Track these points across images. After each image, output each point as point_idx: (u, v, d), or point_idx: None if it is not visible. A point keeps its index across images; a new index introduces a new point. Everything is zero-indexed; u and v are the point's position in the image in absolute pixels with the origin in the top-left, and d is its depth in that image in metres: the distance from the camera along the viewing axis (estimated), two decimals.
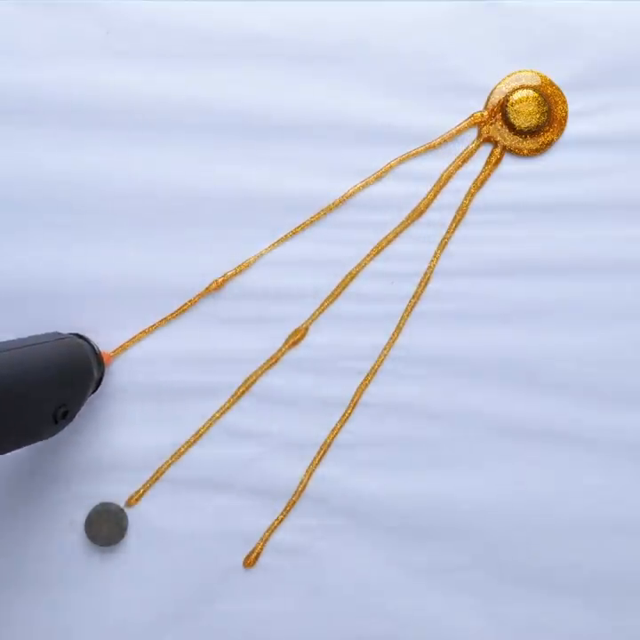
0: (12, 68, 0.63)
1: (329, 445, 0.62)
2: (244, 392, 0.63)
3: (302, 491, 0.62)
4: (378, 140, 0.63)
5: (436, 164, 0.63)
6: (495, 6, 0.63)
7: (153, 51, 0.63)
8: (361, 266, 0.63)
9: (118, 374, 0.62)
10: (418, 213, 0.63)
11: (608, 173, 0.63)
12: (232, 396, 0.62)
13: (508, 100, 0.63)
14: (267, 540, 0.62)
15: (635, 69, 0.63)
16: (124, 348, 0.62)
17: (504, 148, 0.64)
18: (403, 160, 0.63)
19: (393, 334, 0.63)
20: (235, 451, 0.62)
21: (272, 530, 0.62)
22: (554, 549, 0.62)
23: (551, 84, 0.64)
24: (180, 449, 0.62)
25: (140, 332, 0.62)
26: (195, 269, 0.63)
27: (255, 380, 0.63)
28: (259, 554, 0.62)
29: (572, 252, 0.63)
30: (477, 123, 0.64)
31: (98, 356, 0.59)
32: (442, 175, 0.63)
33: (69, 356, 0.55)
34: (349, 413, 0.63)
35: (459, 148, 0.64)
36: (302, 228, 0.63)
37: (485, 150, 0.64)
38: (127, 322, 0.62)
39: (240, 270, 0.63)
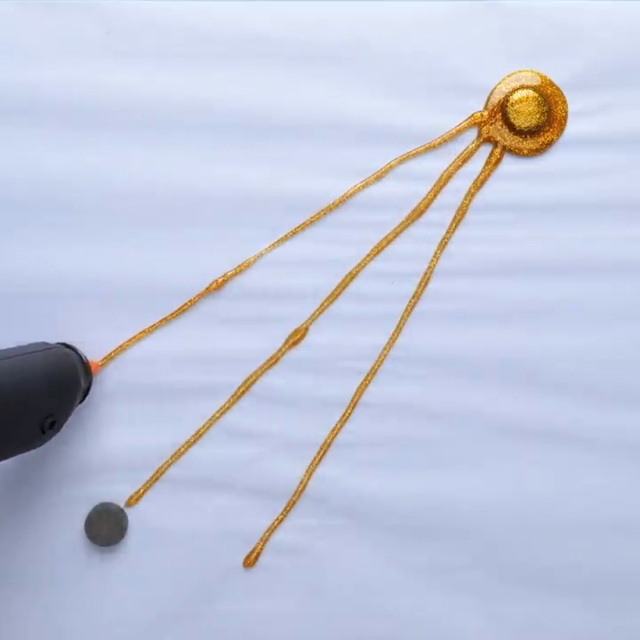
0: (12, 68, 0.63)
1: (329, 445, 0.62)
2: (244, 392, 0.63)
3: (302, 491, 0.62)
4: (378, 140, 0.63)
5: (436, 164, 0.63)
6: (495, 6, 0.63)
7: (153, 51, 0.63)
8: (361, 266, 0.63)
9: (119, 374, 0.62)
10: (418, 213, 0.63)
11: (608, 173, 0.63)
12: (232, 396, 0.62)
13: (507, 100, 0.63)
14: (267, 540, 0.62)
15: (635, 69, 0.63)
16: (123, 348, 0.62)
17: (504, 148, 0.64)
18: (403, 160, 0.63)
19: (393, 334, 0.63)
20: (235, 451, 0.62)
21: (272, 530, 0.62)
22: (554, 549, 0.62)
23: (551, 83, 0.64)
24: (180, 449, 0.62)
25: (140, 332, 0.63)
26: (195, 269, 0.63)
27: (255, 380, 0.63)
28: (259, 554, 0.62)
29: (572, 252, 0.63)
30: (477, 123, 0.64)
31: (85, 365, 0.59)
32: (442, 175, 0.63)
33: (57, 367, 0.55)
34: (349, 413, 0.63)
35: (459, 147, 0.64)
36: (302, 228, 0.63)
37: (485, 150, 0.64)
38: (127, 322, 0.62)
39: (240, 270, 0.63)
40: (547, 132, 0.63)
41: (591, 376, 0.63)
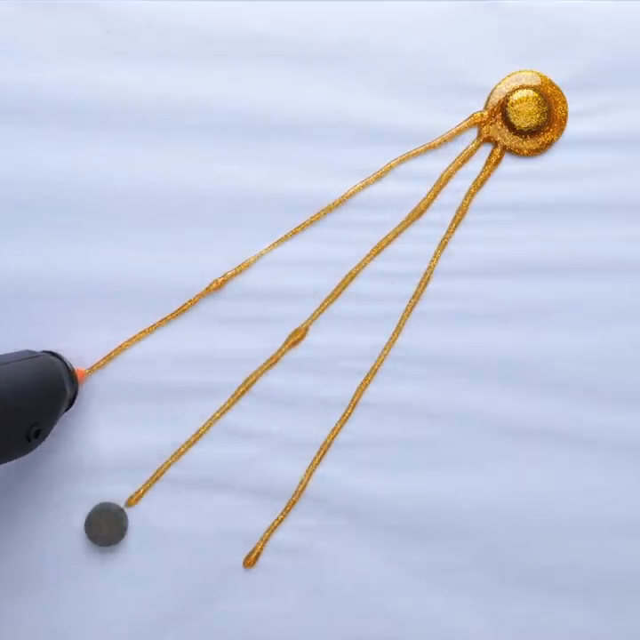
0: (12, 68, 0.63)
1: (329, 445, 0.62)
2: (244, 392, 0.63)
3: (302, 491, 0.62)
4: (378, 140, 0.63)
5: (436, 164, 0.63)
6: (495, 6, 0.63)
7: (153, 51, 0.63)
8: (361, 266, 0.63)
9: (119, 374, 0.62)
10: (418, 213, 0.63)
11: (608, 173, 0.63)
12: (232, 396, 0.62)
13: (508, 100, 0.63)
14: (267, 540, 0.62)
15: (635, 69, 0.63)
16: (123, 348, 0.62)
17: (504, 148, 0.64)
18: (403, 160, 0.63)
19: (393, 334, 0.63)
20: (235, 451, 0.62)
21: (272, 530, 0.62)
22: (554, 549, 0.62)
23: (551, 83, 0.64)
24: (180, 449, 0.62)
25: (140, 332, 0.63)
26: (195, 269, 0.63)
27: (255, 380, 0.63)
28: (259, 554, 0.62)
29: (572, 252, 0.63)
30: (477, 123, 0.64)
31: (71, 373, 0.59)
32: (442, 175, 0.63)
33: (42, 375, 0.55)
34: (349, 413, 0.63)
35: (459, 147, 0.64)
36: (302, 228, 0.63)
37: (485, 150, 0.64)
38: (127, 322, 0.62)
39: (240, 270, 0.63)
40: (547, 131, 0.63)
41: (591, 376, 0.62)
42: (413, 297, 0.63)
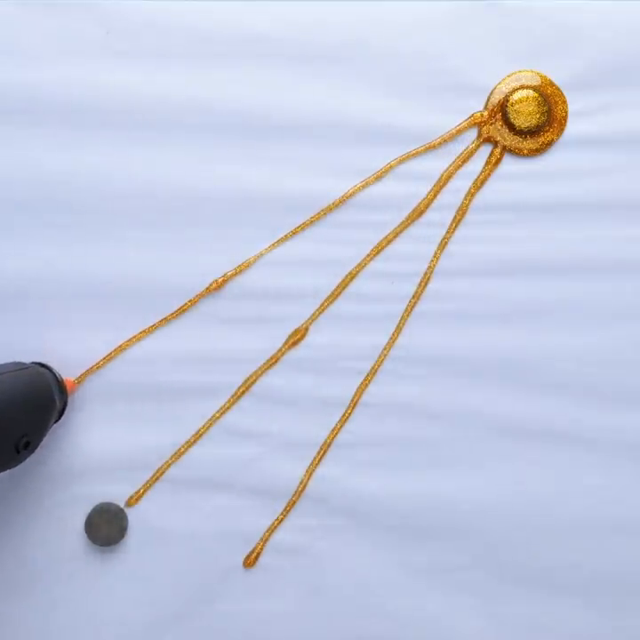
0: (12, 68, 0.63)
1: (329, 445, 0.62)
2: (244, 392, 0.63)
3: (302, 491, 0.62)
4: (378, 140, 0.63)
5: (436, 164, 0.63)
6: (495, 6, 0.63)
7: (153, 51, 0.63)
8: (361, 266, 0.63)
9: (119, 374, 0.62)
10: (418, 213, 0.63)
11: (608, 173, 0.63)
12: (232, 396, 0.62)
13: (508, 100, 0.63)
14: (267, 540, 0.62)
15: (635, 69, 0.63)
16: (123, 348, 0.62)
17: (504, 148, 0.64)
18: (403, 160, 0.63)
19: (393, 334, 0.63)
20: (235, 451, 0.62)
21: (272, 530, 0.62)
22: (554, 549, 0.62)
23: (551, 83, 0.64)
24: (180, 449, 0.62)
25: (140, 332, 0.63)
26: (195, 269, 0.63)
27: (255, 380, 0.63)
28: (259, 554, 0.62)
29: (572, 252, 0.63)
30: (477, 123, 0.64)
31: (60, 384, 0.59)
32: (442, 175, 0.63)
33: (31, 386, 0.55)
34: (349, 413, 0.63)
35: (459, 147, 0.64)
36: (302, 228, 0.63)
37: (485, 150, 0.64)
38: (127, 322, 0.62)
39: (240, 270, 0.63)
40: (547, 131, 0.63)
41: (591, 376, 0.63)
42: (413, 297, 0.63)
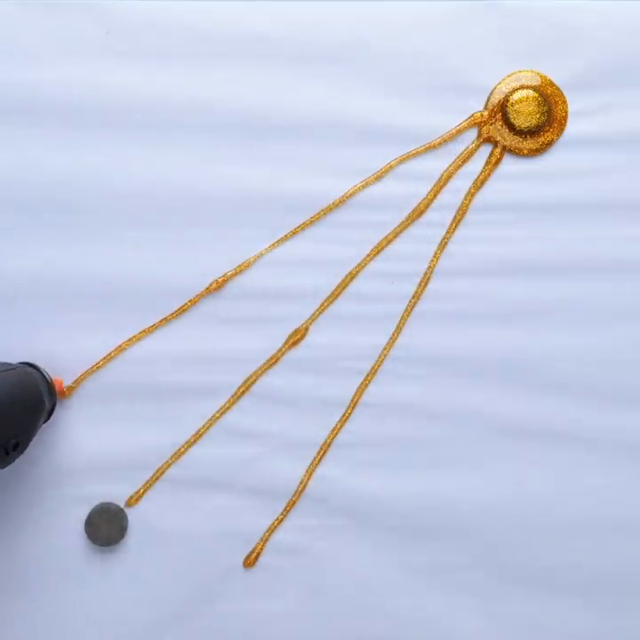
0: (12, 68, 0.63)
1: (329, 445, 0.62)
2: (244, 392, 0.63)
3: (302, 491, 0.62)
4: (378, 140, 0.63)
5: (436, 164, 0.63)
6: (495, 6, 0.63)
7: (153, 51, 0.63)
8: (361, 266, 0.63)
9: (119, 374, 0.62)
10: (418, 213, 0.63)
11: (608, 173, 0.63)
12: (232, 396, 0.62)
13: (508, 100, 0.63)
14: (267, 540, 0.62)
15: (635, 69, 0.63)
16: (123, 348, 0.62)
17: (504, 148, 0.64)
18: (403, 160, 0.63)
19: (393, 334, 0.63)
20: (235, 451, 0.62)
21: (272, 530, 0.62)
22: (554, 549, 0.62)
23: (551, 83, 0.64)
24: (180, 449, 0.62)
25: (140, 332, 0.63)
26: (195, 269, 0.63)
27: (255, 380, 0.63)
28: (259, 554, 0.62)
29: (572, 252, 0.63)
30: (477, 123, 0.64)
31: (49, 384, 0.59)
32: (442, 175, 0.63)
33: (19, 387, 0.54)
34: (349, 413, 0.63)
35: (459, 147, 0.64)
36: (302, 228, 0.63)
37: (485, 150, 0.64)
38: (127, 322, 0.62)
39: (240, 270, 0.63)
40: (547, 131, 0.63)
41: (591, 376, 0.63)
42: (413, 297, 0.63)
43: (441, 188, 0.64)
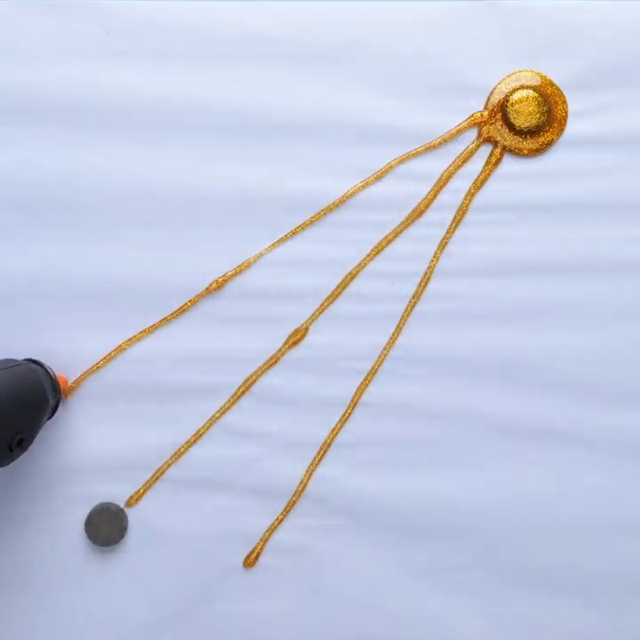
0: (12, 68, 0.63)
1: (329, 445, 0.62)
2: (244, 392, 0.63)
3: (302, 491, 0.62)
4: (378, 140, 0.63)
5: (436, 164, 0.63)
6: (495, 6, 0.63)
7: (153, 51, 0.63)
8: (361, 266, 0.63)
9: (119, 374, 0.62)
10: (418, 213, 0.63)
11: (608, 173, 0.63)
12: (232, 396, 0.62)
13: (508, 100, 0.63)
14: (267, 540, 0.62)
15: (635, 69, 0.63)
16: (123, 348, 0.62)
17: (504, 148, 0.64)
18: (403, 160, 0.63)
19: (393, 334, 0.63)
20: (235, 451, 0.62)
21: (272, 530, 0.62)
22: (554, 549, 0.62)
23: (551, 83, 0.64)
24: (180, 449, 0.62)
25: (140, 332, 0.63)
26: (195, 269, 0.63)
27: (255, 380, 0.63)
28: (259, 554, 0.62)
29: (572, 252, 0.63)
30: (477, 123, 0.64)
31: (53, 380, 0.59)
32: (442, 175, 0.63)
33: (23, 384, 0.54)
34: (349, 413, 0.63)
35: (459, 147, 0.64)
36: (302, 228, 0.63)
37: (485, 150, 0.64)
38: (127, 322, 0.62)
39: (240, 270, 0.63)
40: (547, 131, 0.63)
41: (591, 376, 0.63)
42: (413, 297, 0.63)
43: (441, 188, 0.64)
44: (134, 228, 0.63)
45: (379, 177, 0.63)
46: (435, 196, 0.63)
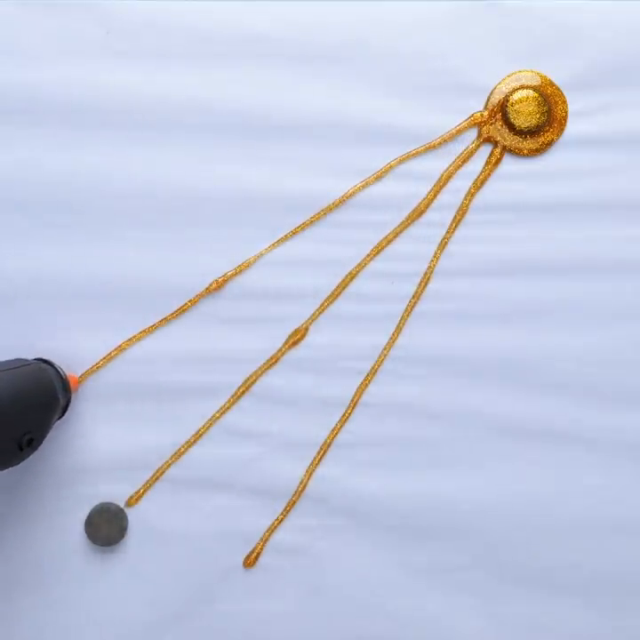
0: (12, 68, 0.63)
1: (329, 445, 0.62)
2: (244, 392, 0.63)
3: (302, 491, 0.62)
4: (378, 140, 0.63)
5: (436, 164, 0.63)
6: (495, 6, 0.63)
7: (153, 51, 0.63)
8: (361, 266, 0.63)
9: (119, 374, 0.62)
10: (418, 213, 0.63)
11: (608, 173, 0.63)
12: (232, 396, 0.62)
13: (508, 100, 0.63)
14: (267, 540, 0.62)
15: (635, 69, 0.63)
16: (123, 348, 0.62)
17: (504, 148, 0.64)
18: (403, 160, 0.63)
19: (393, 334, 0.63)
20: (235, 451, 0.62)
21: (272, 530, 0.62)
22: (554, 549, 0.62)
23: (551, 84, 0.64)
24: (180, 449, 0.62)
25: (140, 332, 0.63)
26: (195, 269, 0.63)
27: (255, 380, 0.63)
28: (259, 554, 0.62)
29: (572, 252, 0.63)
30: (477, 123, 0.64)
31: (64, 380, 0.59)
32: (442, 175, 0.63)
33: (34, 383, 0.54)
34: (349, 413, 0.63)
35: (459, 147, 0.64)
36: (302, 228, 0.63)
37: (485, 150, 0.64)
38: (127, 322, 0.62)
39: (240, 270, 0.63)
40: (547, 131, 0.63)
41: (591, 376, 0.63)
42: (413, 297, 0.63)
43: (441, 188, 0.64)
44: (134, 227, 0.63)
45: (379, 177, 0.63)
46: (435, 196, 0.63)
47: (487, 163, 0.64)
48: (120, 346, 0.62)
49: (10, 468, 0.61)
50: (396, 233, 0.63)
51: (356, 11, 0.63)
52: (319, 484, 0.62)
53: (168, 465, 0.62)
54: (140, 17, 0.63)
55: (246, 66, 0.63)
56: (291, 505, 0.62)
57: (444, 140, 0.63)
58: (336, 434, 0.62)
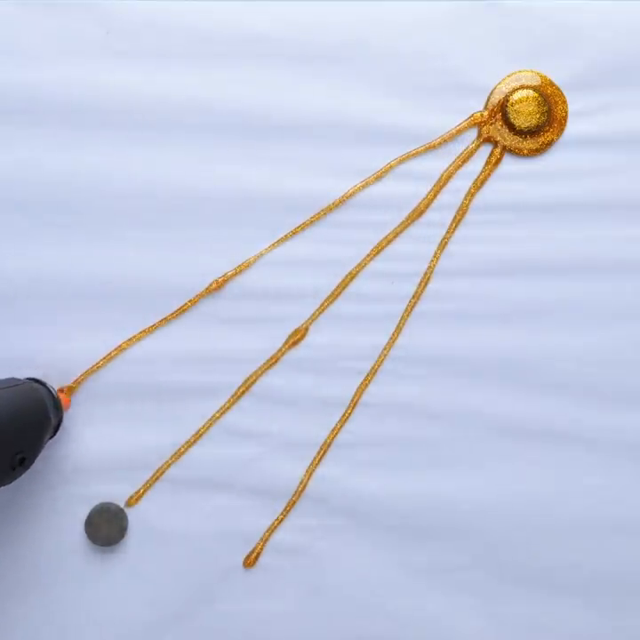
0: (12, 68, 0.63)
1: (329, 445, 0.62)
2: (244, 392, 0.63)
3: (302, 491, 0.62)
4: (378, 140, 0.63)
5: (436, 164, 0.63)
6: (495, 6, 0.63)
7: (153, 51, 0.63)
8: (361, 266, 0.63)
9: (119, 374, 0.62)
10: (418, 213, 0.63)
11: (608, 173, 0.63)
12: (232, 396, 0.62)
13: (508, 100, 0.63)
14: (267, 540, 0.62)
15: (635, 69, 0.63)
16: (123, 348, 0.62)
17: (504, 148, 0.64)
18: (403, 160, 0.63)
19: (393, 334, 0.63)
20: (235, 451, 0.62)
21: (272, 530, 0.62)
22: (554, 549, 0.62)
23: (551, 83, 0.64)
24: (180, 449, 0.62)
25: (140, 332, 0.63)
26: (195, 269, 0.63)
27: (255, 380, 0.63)
28: (259, 554, 0.62)
29: (572, 252, 0.63)
30: (477, 123, 0.64)
31: (55, 399, 0.59)
32: (442, 175, 0.63)
33: (25, 403, 0.54)
34: (349, 413, 0.63)
35: (459, 147, 0.64)
36: (302, 228, 0.63)
37: (485, 150, 0.64)
38: (127, 322, 0.62)
39: (240, 270, 0.63)
40: (547, 131, 0.63)
41: (591, 376, 0.63)
42: (413, 297, 0.63)
43: (441, 188, 0.64)
44: (134, 227, 0.63)
45: (379, 177, 0.63)
46: (435, 195, 0.63)
47: (487, 163, 0.64)
48: (120, 346, 0.62)
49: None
50: (396, 233, 0.63)
51: (356, 11, 0.63)
52: (319, 483, 0.62)
53: (168, 465, 0.62)
54: (140, 17, 0.63)
55: (246, 66, 0.63)
56: (291, 505, 0.62)
57: (444, 140, 0.63)
58: (336, 434, 0.62)
